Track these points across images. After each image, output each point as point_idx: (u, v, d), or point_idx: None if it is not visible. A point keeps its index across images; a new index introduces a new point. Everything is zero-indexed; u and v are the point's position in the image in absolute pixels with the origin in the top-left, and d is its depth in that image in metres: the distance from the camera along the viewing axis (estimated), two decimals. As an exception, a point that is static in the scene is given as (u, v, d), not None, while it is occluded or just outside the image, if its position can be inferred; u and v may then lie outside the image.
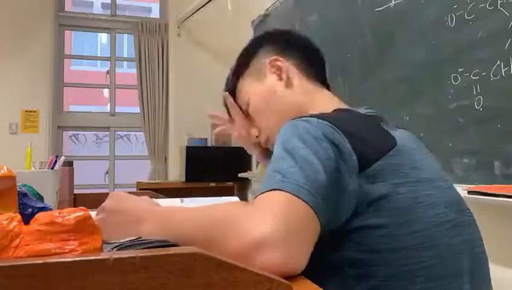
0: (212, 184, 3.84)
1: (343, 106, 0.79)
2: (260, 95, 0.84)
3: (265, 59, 0.84)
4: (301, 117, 0.64)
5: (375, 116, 0.73)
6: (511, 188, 1.29)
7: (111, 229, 0.60)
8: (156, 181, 4.08)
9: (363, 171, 0.57)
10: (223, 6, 3.53)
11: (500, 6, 1.38)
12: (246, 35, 3.91)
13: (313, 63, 0.86)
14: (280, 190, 0.50)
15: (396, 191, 0.58)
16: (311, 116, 0.64)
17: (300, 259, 0.46)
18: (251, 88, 0.86)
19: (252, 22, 3.79)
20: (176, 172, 4.21)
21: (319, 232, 0.51)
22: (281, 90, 0.82)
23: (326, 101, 0.80)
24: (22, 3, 3.98)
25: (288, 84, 0.82)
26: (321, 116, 0.63)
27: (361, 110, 0.73)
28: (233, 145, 4.13)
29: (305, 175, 0.52)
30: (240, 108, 0.90)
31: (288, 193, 0.50)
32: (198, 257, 0.35)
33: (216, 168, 3.89)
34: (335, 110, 0.73)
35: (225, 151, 4.01)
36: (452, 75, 1.56)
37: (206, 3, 3.73)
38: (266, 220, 0.46)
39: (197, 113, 4.21)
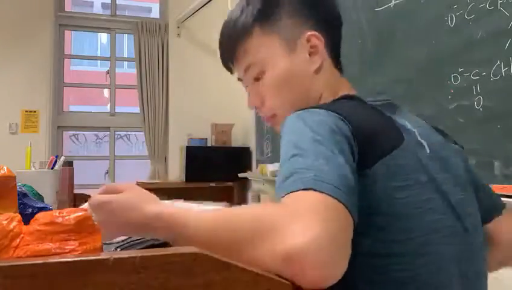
0: (212, 184, 3.84)
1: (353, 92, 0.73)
2: (283, 70, 0.72)
3: (300, 23, 0.72)
4: (308, 109, 0.59)
5: (388, 105, 0.68)
6: (511, 188, 1.29)
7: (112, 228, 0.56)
8: (156, 181, 4.08)
9: (361, 171, 0.53)
10: (223, 6, 3.52)
11: (500, 6, 1.38)
12: (246, 35, 3.92)
13: (337, 40, 0.78)
14: (314, 190, 0.45)
15: (394, 196, 0.54)
16: (318, 107, 0.59)
17: (341, 268, 0.42)
18: (274, 56, 0.72)
19: (252, 22, 3.78)
20: (176, 172, 4.21)
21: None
22: (308, 74, 0.72)
23: (343, 90, 0.72)
24: (22, 4, 3.98)
25: (318, 69, 0.72)
26: (329, 108, 0.58)
27: (371, 100, 0.68)
28: (233, 145, 4.13)
29: (335, 172, 0.47)
30: (240, 59, 0.77)
31: (326, 194, 0.45)
32: (198, 257, 0.35)
33: (216, 168, 3.89)
34: (344, 96, 0.69)
35: (225, 151, 4.01)
36: (452, 75, 1.56)
37: (206, 3, 3.73)
38: (308, 228, 0.41)
39: (197, 113, 4.22)
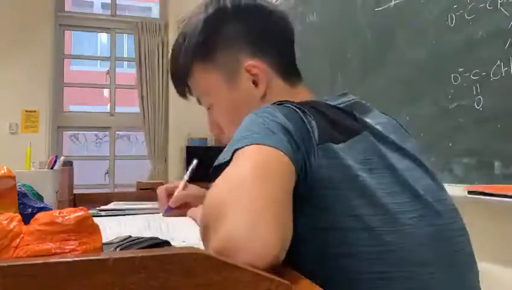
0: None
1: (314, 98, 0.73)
2: (228, 102, 0.74)
3: (237, 54, 0.73)
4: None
5: (351, 104, 0.69)
6: (511, 188, 1.29)
7: None
8: (156, 181, 4.08)
9: (321, 145, 0.55)
10: (223, 6, 3.52)
11: (500, 6, 1.38)
12: (246, 35, 3.92)
13: (286, 53, 0.77)
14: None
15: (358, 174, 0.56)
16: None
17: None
18: (218, 89, 0.75)
19: (252, 22, 3.78)
20: (176, 172, 4.21)
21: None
22: (255, 101, 0.72)
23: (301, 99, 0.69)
24: (22, 3, 3.98)
25: (265, 94, 0.72)
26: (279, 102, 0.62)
27: (333, 102, 0.68)
28: (233, 145, 4.13)
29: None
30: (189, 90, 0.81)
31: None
32: (198, 257, 0.35)
33: (216, 168, 3.89)
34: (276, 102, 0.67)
35: (225, 151, 4.01)
36: (452, 75, 1.56)
37: (206, 3, 3.73)
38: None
39: (197, 113, 4.21)
